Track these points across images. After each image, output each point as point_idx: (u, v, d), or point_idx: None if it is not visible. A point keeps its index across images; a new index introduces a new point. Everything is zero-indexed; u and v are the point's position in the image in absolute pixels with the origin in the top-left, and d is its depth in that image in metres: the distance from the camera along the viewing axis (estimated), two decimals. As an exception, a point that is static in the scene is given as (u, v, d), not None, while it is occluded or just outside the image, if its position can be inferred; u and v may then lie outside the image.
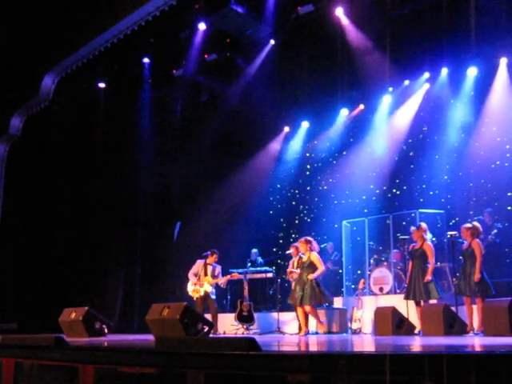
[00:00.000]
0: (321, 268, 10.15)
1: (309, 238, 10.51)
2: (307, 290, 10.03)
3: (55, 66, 12.60)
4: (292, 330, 11.06)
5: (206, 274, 11.11)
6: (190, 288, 11.15)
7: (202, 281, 11.04)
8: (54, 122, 14.49)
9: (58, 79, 12.86)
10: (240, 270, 11.98)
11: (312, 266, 10.17)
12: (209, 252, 11.36)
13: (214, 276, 11.13)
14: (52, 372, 4.45)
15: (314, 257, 10.28)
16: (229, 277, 11.28)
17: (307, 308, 10.06)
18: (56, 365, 4.43)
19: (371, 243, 12.85)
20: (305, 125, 15.22)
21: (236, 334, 11.28)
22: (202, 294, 10.98)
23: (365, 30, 12.72)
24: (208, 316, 10.85)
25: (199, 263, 11.30)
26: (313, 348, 5.40)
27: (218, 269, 11.29)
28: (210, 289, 11.00)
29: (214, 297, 11.14)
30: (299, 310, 10.28)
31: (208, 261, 11.23)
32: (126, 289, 14.75)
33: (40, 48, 12.51)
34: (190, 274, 11.23)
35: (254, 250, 13.98)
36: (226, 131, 14.67)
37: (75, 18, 11.70)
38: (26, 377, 4.69)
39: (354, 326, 10.73)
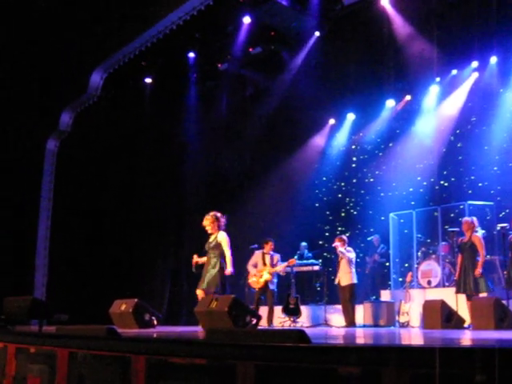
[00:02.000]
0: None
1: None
2: None
3: (103, 62, 12.81)
4: (339, 323, 11.04)
5: (264, 264, 11.10)
6: (251, 280, 11.20)
7: (261, 271, 11.06)
8: (102, 118, 14.72)
9: (106, 75, 13.06)
10: (286, 263, 11.99)
11: None
12: (256, 245, 11.40)
13: (272, 265, 11.08)
14: (104, 362, 4.54)
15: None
16: (286, 264, 11.22)
17: None
18: (108, 355, 4.51)
19: (419, 236, 12.70)
20: (350, 117, 15.10)
21: (283, 326, 11.32)
22: (261, 284, 11.00)
23: (411, 19, 12.54)
24: (265, 308, 10.92)
25: (257, 254, 11.32)
26: (362, 341, 5.39)
27: (277, 257, 11.24)
28: (269, 278, 10.95)
29: (273, 287, 11.07)
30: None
31: (265, 250, 11.23)
32: (173, 281, 14.94)
33: (88, 45, 12.73)
34: (249, 266, 11.26)
35: (303, 244, 13.96)
36: (272, 125, 14.68)
37: (122, 15, 11.87)
38: (79, 366, 4.80)
39: (402, 319, 10.66)
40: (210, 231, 8.64)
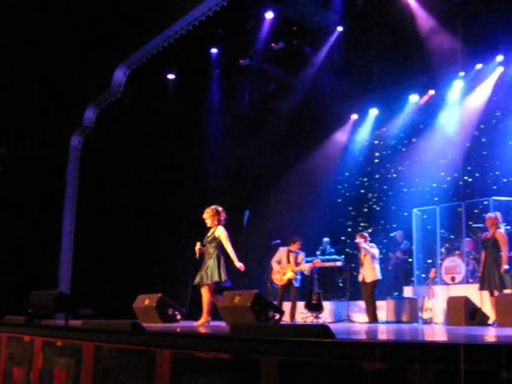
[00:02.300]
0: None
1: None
2: None
3: (126, 59, 12.89)
4: (362, 319, 11.02)
5: (288, 262, 11.10)
6: (274, 276, 11.22)
7: (284, 268, 11.08)
8: (125, 114, 14.83)
9: (129, 72, 13.14)
10: (309, 259, 11.98)
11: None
12: (278, 240, 11.41)
13: (296, 263, 11.06)
14: (129, 356, 4.58)
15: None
16: (310, 264, 11.23)
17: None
18: (133, 349, 4.55)
19: (442, 232, 12.61)
20: (373, 112, 15.02)
21: (305, 322, 11.33)
22: (284, 281, 11.02)
23: (434, 12, 12.44)
24: (288, 304, 10.94)
25: (282, 250, 11.31)
26: (386, 337, 5.38)
27: (302, 255, 11.22)
28: (293, 276, 10.98)
29: (297, 285, 11.07)
30: None
31: (291, 248, 11.23)
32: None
33: (111, 42, 12.83)
34: (273, 262, 11.26)
35: (326, 239, 13.94)
36: (294, 120, 14.68)
37: (145, 11, 11.93)
38: (105, 360, 4.84)
39: (425, 315, 10.60)
40: (209, 224, 8.56)
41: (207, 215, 8.55)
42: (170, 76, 15.22)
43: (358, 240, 10.90)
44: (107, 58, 12.98)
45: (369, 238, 11.11)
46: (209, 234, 8.54)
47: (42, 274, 12.78)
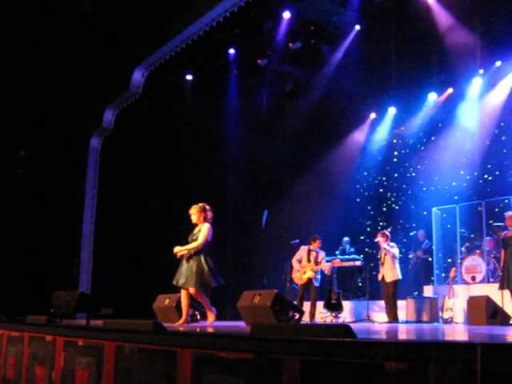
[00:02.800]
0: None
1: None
2: None
3: (144, 60, 12.98)
4: (382, 319, 10.97)
5: (309, 261, 11.09)
6: (294, 275, 11.22)
7: (304, 267, 11.07)
8: (144, 115, 14.91)
9: (147, 73, 13.22)
10: (328, 258, 11.96)
11: None
12: (297, 240, 11.40)
13: (316, 262, 11.06)
14: (151, 355, 4.60)
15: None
16: (330, 264, 11.22)
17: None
18: (155, 349, 4.58)
19: (462, 230, 12.53)
20: (391, 111, 14.95)
21: (325, 321, 11.31)
22: (304, 280, 11.01)
23: (453, 9, 12.35)
24: (307, 303, 10.93)
25: (303, 249, 11.31)
26: (407, 336, 5.36)
27: (322, 255, 11.22)
28: (312, 275, 10.97)
29: (317, 284, 11.07)
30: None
31: (311, 247, 11.22)
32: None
33: (129, 43, 12.92)
34: (294, 261, 11.26)
35: (346, 239, 13.91)
36: (312, 119, 14.66)
37: (162, 13, 11.99)
38: (126, 359, 4.87)
39: (446, 315, 10.53)
40: (194, 221, 8.23)
41: (194, 211, 8.25)
42: (188, 77, 15.26)
43: (379, 239, 10.85)
44: (126, 60, 13.08)
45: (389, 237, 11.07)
46: (194, 231, 8.21)
47: (62, 274, 12.90)
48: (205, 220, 8.19)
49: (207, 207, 8.30)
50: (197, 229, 8.20)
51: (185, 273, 8.01)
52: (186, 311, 8.14)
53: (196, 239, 8.06)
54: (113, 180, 14.23)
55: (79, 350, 5.56)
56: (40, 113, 13.32)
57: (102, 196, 13.95)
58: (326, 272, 11.27)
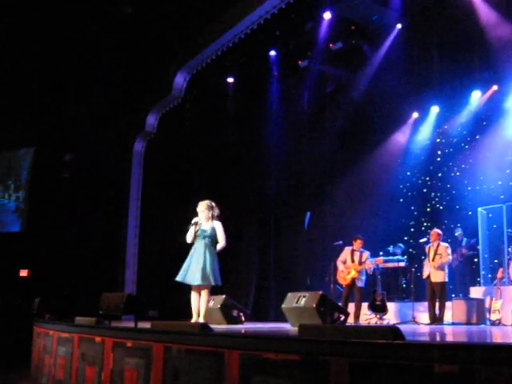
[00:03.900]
0: None
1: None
2: None
3: (186, 63, 13.11)
4: (427, 321, 10.84)
5: (353, 261, 11.04)
6: (338, 276, 11.18)
7: (349, 268, 11.03)
8: (186, 118, 15.05)
9: (189, 76, 13.35)
10: (372, 259, 11.86)
11: None
12: (340, 242, 11.34)
13: (360, 262, 10.98)
14: (198, 357, 4.65)
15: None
16: (373, 262, 11.14)
17: None
18: (202, 350, 4.62)
19: (510, 230, 12.27)
20: (434, 110, 14.74)
21: (369, 323, 11.23)
22: (348, 281, 10.95)
23: (496, 4, 12.12)
24: (351, 304, 10.88)
25: (347, 250, 11.26)
26: (457, 338, 5.30)
27: (366, 254, 11.12)
28: (356, 275, 10.90)
29: (362, 285, 11.01)
30: None
31: (354, 247, 11.17)
32: (260, 277, 15.08)
33: (171, 48, 13.08)
34: (339, 262, 11.22)
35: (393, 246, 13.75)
36: (353, 119, 14.57)
37: (204, 17, 12.12)
38: (174, 360, 4.93)
39: (493, 317, 10.33)
40: (203, 218, 8.00)
41: (202, 208, 8.03)
42: (229, 79, 15.34)
43: (435, 238, 10.76)
44: (168, 64, 13.24)
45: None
46: (203, 227, 7.95)
47: (108, 276, 13.12)
48: (212, 218, 8.03)
49: (214, 204, 8.12)
50: (206, 225, 7.96)
51: (203, 270, 7.72)
52: (205, 308, 7.92)
53: (209, 236, 7.88)
54: (156, 183, 14.40)
55: (128, 351, 5.66)
56: (85, 118, 13.58)
57: (146, 198, 14.13)
58: (368, 271, 11.17)
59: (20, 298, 13.35)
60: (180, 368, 4.80)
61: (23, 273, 14.45)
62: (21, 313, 12.22)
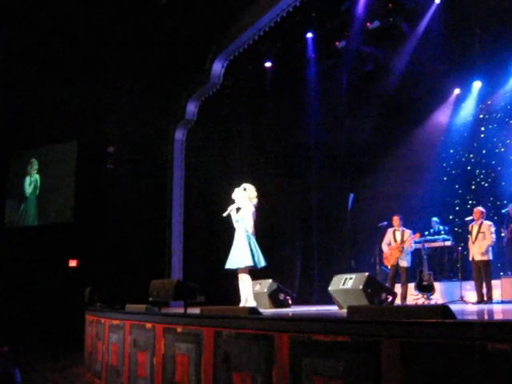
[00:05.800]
0: None
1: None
2: None
3: (224, 50, 13.10)
4: (475, 299, 10.72)
5: (395, 241, 11.00)
6: (384, 257, 11.14)
7: (392, 248, 10.97)
8: (225, 105, 15.06)
9: (227, 63, 13.36)
10: (417, 240, 11.74)
11: None
12: (385, 222, 11.27)
13: (402, 241, 10.94)
14: (248, 340, 4.70)
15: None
16: (411, 238, 11.03)
17: None
18: (252, 333, 4.68)
19: (559, 204, 12.01)
20: (477, 85, 14.45)
21: (416, 303, 11.16)
22: (392, 261, 10.88)
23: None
24: (398, 285, 10.82)
25: (389, 231, 11.21)
26: (507, 317, 5.24)
27: (408, 232, 11.02)
28: (398, 254, 10.82)
29: (407, 265, 10.93)
30: None
31: (395, 226, 11.13)
32: (303, 260, 15.10)
33: (209, 35, 13.10)
34: (383, 244, 11.19)
35: (435, 219, 13.59)
36: (393, 99, 14.40)
37: (241, 1, 12.09)
38: (224, 344, 5.00)
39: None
40: (239, 205, 8.11)
41: (237, 195, 8.15)
42: (267, 64, 15.30)
43: (478, 216, 10.62)
44: (206, 51, 13.26)
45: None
46: (238, 213, 8.10)
47: (154, 264, 13.31)
48: (250, 199, 8.11)
49: (249, 186, 8.20)
50: (242, 211, 8.07)
51: (241, 254, 7.86)
52: (251, 292, 8.01)
53: (240, 222, 8.00)
54: (198, 170, 14.50)
55: (178, 337, 5.76)
56: (126, 108, 13.73)
57: (189, 186, 14.25)
58: (409, 248, 10.99)
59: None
60: (230, 352, 4.87)
61: (72, 263, 14.76)
62: (72, 302, 12.54)
